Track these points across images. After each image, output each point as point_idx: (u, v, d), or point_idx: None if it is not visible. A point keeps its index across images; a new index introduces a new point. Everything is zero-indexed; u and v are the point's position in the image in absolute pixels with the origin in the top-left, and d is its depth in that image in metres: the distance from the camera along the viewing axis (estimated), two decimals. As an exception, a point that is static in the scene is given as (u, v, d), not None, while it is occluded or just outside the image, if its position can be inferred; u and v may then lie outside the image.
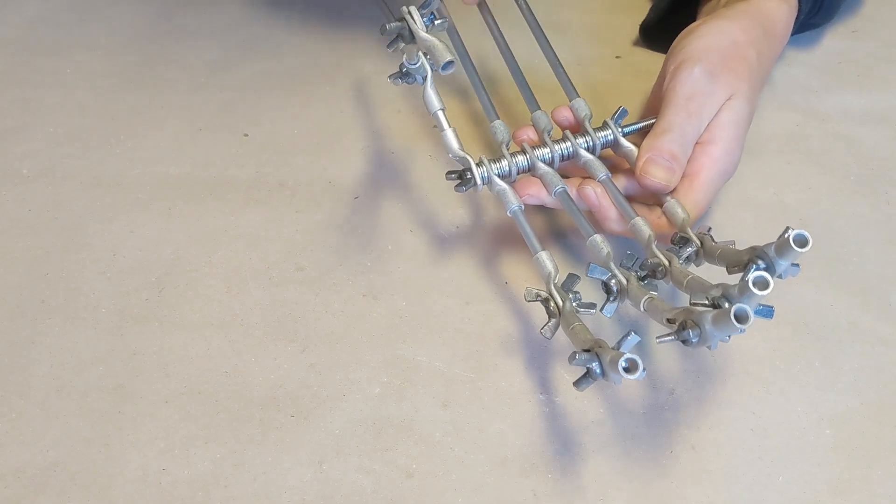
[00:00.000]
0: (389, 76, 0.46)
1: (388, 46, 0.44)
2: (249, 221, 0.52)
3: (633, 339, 0.37)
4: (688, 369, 0.45)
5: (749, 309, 0.33)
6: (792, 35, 0.59)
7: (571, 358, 0.36)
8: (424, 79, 0.46)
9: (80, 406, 0.44)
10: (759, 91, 0.51)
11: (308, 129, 0.57)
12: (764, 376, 0.45)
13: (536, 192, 0.47)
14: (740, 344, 0.46)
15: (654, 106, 0.50)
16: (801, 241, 0.35)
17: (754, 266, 0.37)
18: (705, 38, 0.49)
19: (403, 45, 0.44)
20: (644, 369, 0.34)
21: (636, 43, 0.63)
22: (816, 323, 0.47)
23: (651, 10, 0.62)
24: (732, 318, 0.33)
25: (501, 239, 0.51)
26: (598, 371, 0.36)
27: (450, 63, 0.41)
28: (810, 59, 0.62)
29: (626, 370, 0.33)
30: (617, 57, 0.62)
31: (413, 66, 0.45)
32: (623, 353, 0.34)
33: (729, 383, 0.45)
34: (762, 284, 0.34)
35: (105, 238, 0.51)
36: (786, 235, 0.35)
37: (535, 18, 0.54)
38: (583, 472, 0.42)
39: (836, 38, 0.63)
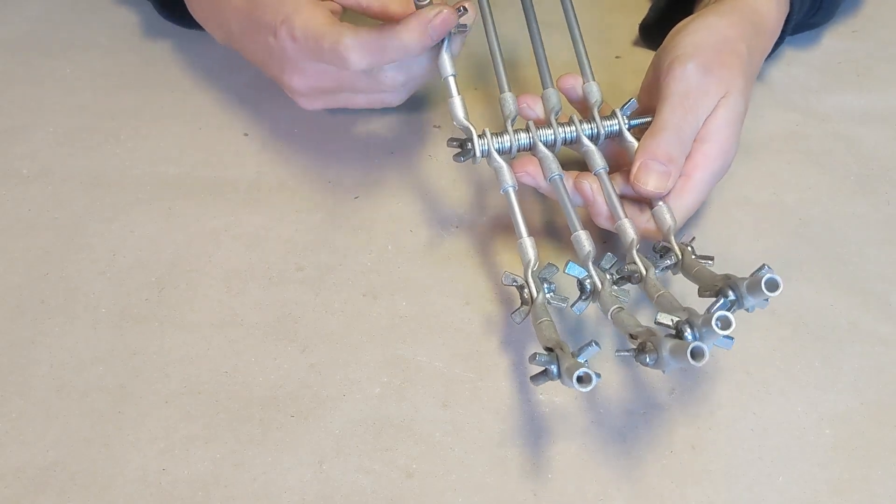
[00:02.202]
0: None
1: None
2: (249, 221, 0.52)
3: (592, 349, 0.38)
4: (688, 369, 0.45)
5: (706, 348, 0.34)
6: (791, 35, 0.59)
7: (532, 358, 0.38)
8: (441, 41, 0.46)
9: (80, 406, 0.44)
10: (752, 86, 0.51)
11: (308, 129, 0.57)
12: (764, 376, 0.45)
13: (534, 173, 0.47)
14: (740, 344, 0.46)
15: (644, 102, 0.50)
16: (772, 286, 0.36)
17: (723, 299, 0.38)
18: (696, 35, 0.49)
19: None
20: (598, 375, 0.36)
21: (636, 43, 0.63)
22: (816, 323, 0.47)
23: (650, 9, 0.62)
24: (688, 354, 0.34)
25: (502, 239, 0.51)
26: (555, 373, 0.38)
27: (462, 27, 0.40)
28: (810, 59, 0.62)
29: (580, 380, 0.35)
30: (617, 57, 0.62)
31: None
32: (580, 364, 0.36)
33: (729, 383, 0.45)
34: (724, 324, 0.35)
35: (105, 238, 0.51)
36: (759, 275, 0.36)
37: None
38: (583, 472, 0.42)
39: (836, 38, 0.63)
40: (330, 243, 0.51)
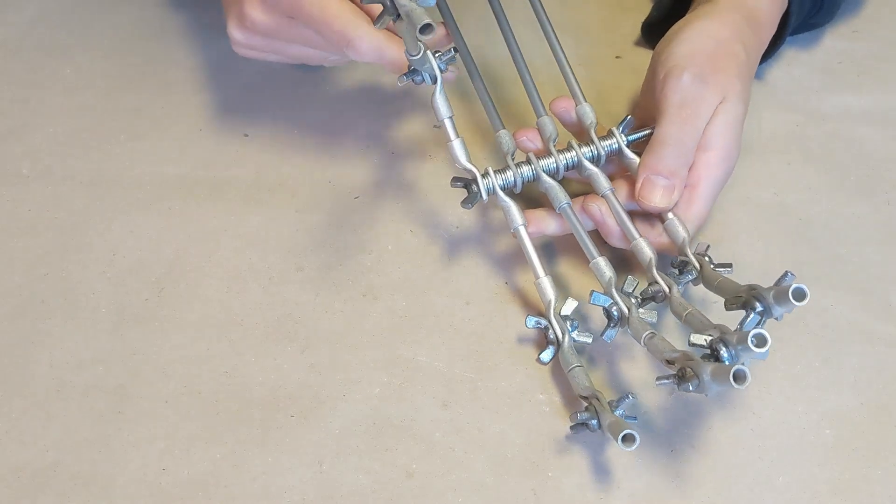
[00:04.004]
0: (399, 77, 0.45)
1: (375, 23, 0.41)
2: (249, 221, 0.52)
3: (629, 401, 0.40)
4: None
5: (748, 371, 0.34)
6: (792, 35, 0.59)
7: (573, 418, 0.40)
8: (434, 80, 0.45)
9: (80, 406, 0.44)
10: (750, 85, 0.51)
11: (308, 129, 0.57)
12: (764, 376, 0.45)
13: (537, 226, 0.47)
14: (740, 344, 0.46)
15: (644, 106, 0.50)
16: (800, 295, 0.35)
17: (752, 313, 0.38)
18: (689, 43, 0.49)
19: (388, 18, 0.40)
20: (635, 418, 0.39)
21: (637, 43, 0.63)
22: (816, 323, 0.47)
23: (653, 8, 0.62)
24: (731, 378, 0.34)
25: (501, 238, 0.51)
26: (595, 426, 0.39)
27: (427, 26, 0.37)
28: (810, 59, 0.62)
29: (624, 440, 0.37)
30: (617, 57, 0.62)
31: (414, 58, 0.43)
32: (624, 424, 0.37)
33: (729, 383, 0.45)
34: (760, 341, 0.34)
35: (105, 238, 0.51)
36: (785, 284, 0.36)
37: (546, 16, 0.53)
38: (583, 471, 0.42)
39: (836, 38, 0.63)
40: (330, 243, 0.51)
